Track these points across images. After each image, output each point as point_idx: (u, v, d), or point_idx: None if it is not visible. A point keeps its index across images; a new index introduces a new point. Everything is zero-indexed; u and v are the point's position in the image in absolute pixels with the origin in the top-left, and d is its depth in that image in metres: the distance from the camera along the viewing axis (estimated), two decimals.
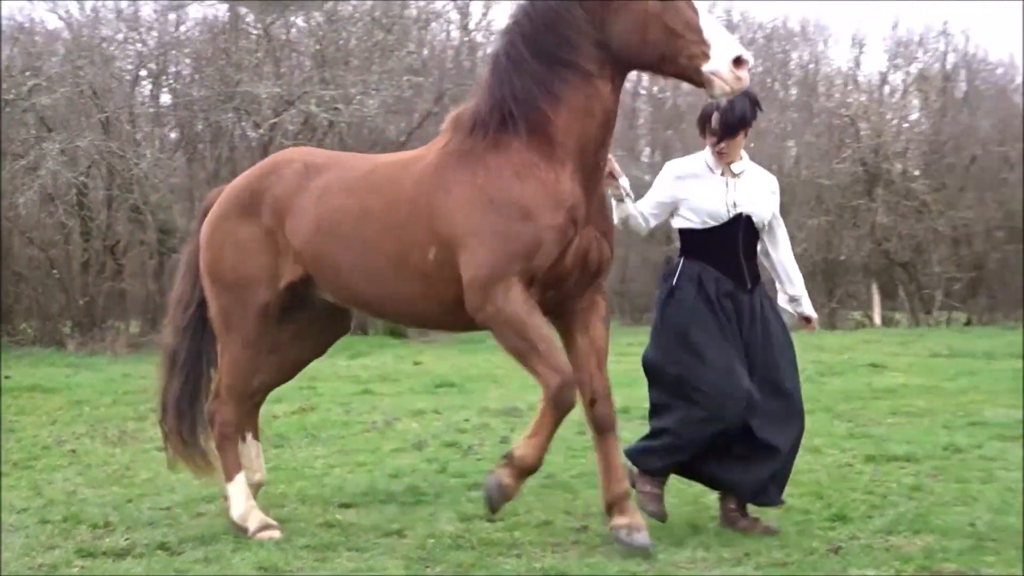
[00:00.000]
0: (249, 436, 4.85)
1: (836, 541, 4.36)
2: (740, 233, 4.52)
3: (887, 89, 24.09)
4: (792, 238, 5.12)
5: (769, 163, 14.01)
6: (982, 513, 4.80)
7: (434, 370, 11.78)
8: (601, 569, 4.00)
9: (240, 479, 4.62)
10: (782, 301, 4.78)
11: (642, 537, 4.14)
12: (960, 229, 20.91)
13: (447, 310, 4.24)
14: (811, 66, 25.58)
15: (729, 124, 4.40)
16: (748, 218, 4.54)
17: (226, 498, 4.64)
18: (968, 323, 20.36)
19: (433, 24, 19.89)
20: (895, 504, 5.07)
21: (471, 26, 20.03)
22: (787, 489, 4.80)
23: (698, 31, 3.88)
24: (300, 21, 17.75)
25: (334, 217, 4.36)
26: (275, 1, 16.72)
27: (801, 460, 5.33)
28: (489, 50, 4.77)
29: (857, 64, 24.66)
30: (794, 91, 25.12)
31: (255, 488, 4.78)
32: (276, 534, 4.42)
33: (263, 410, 5.18)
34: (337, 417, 8.19)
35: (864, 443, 6.85)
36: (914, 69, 23.73)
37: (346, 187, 4.40)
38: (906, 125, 23.02)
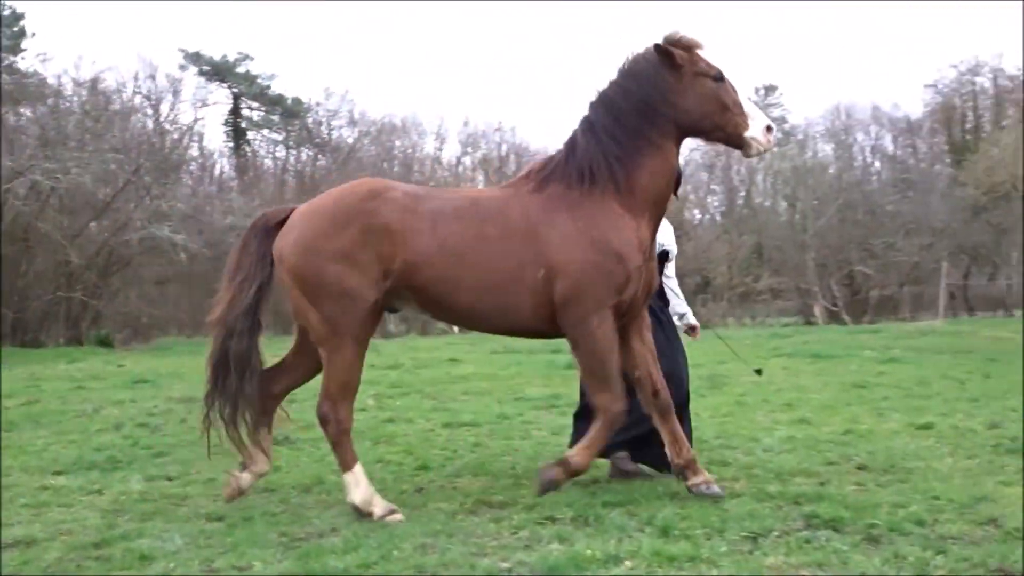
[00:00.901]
0: (263, 431, 5.23)
1: (420, 484, 5.86)
2: (663, 262, 5.88)
3: (461, 168, 36.95)
4: None
5: None
6: (522, 461, 6.61)
7: (133, 370, 14.29)
8: (249, 512, 5.24)
9: (358, 468, 5.00)
10: (674, 316, 6.06)
11: (717, 488, 5.21)
12: None
13: (542, 320, 4.98)
14: (409, 151, 37.23)
15: (679, 183, 5.52)
16: (666, 251, 5.93)
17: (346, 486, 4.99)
18: None
19: (132, 116, 26.59)
20: (462, 456, 6.79)
21: (161, 119, 27.91)
22: (385, 447, 6.60)
23: (740, 106, 5.02)
24: (28, 112, 24.34)
25: (454, 240, 4.89)
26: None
27: (397, 427, 7.21)
28: (584, 113, 5.09)
29: (440, 149, 37.96)
30: (397, 169, 34.33)
31: (259, 477, 5.24)
32: (399, 516, 4.88)
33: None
34: (56, 407, 9.81)
35: (443, 414, 8.86)
36: (479, 154, 37.20)
37: (456, 215, 4.96)
38: None
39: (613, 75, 5.12)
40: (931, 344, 18.30)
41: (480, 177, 36.30)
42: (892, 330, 23.58)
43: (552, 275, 4.91)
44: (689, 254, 36.72)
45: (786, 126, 48.25)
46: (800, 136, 45.01)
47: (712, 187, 44.73)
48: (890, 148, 44.27)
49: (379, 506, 4.93)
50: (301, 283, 4.92)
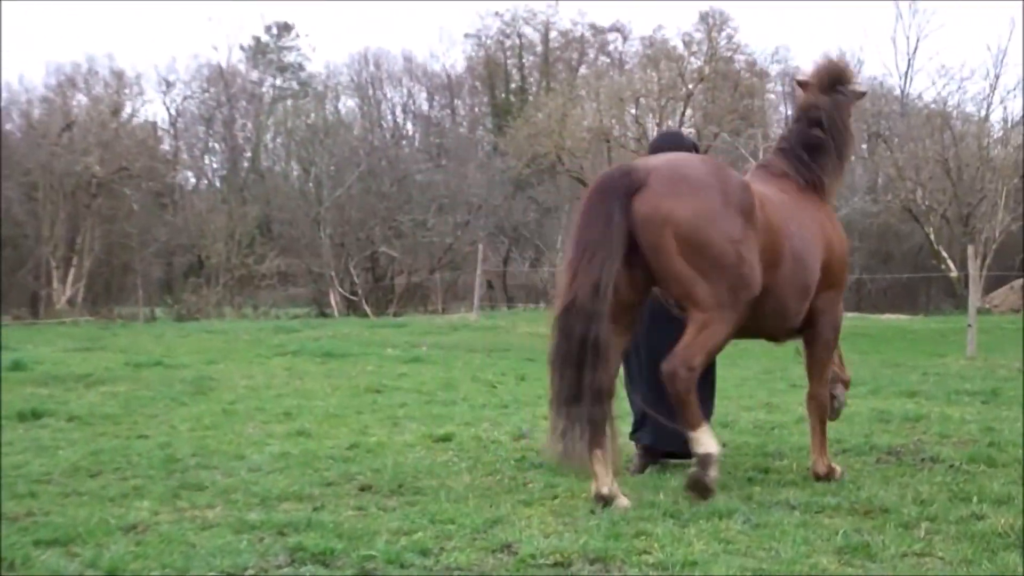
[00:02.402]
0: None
1: None
2: None
3: None
4: None
5: None
6: None
7: None
8: None
9: (706, 425, 5.95)
10: None
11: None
12: None
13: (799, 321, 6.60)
14: None
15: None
16: None
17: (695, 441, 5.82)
18: None
19: None
20: None
21: None
22: None
23: None
24: None
25: (788, 228, 6.23)
26: None
27: None
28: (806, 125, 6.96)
29: None
30: None
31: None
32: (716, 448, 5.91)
33: None
34: None
35: None
36: None
37: (775, 206, 6.23)
38: None
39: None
40: (463, 341, 19.63)
41: None
42: (420, 324, 24.99)
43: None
44: (179, 226, 36.13)
45: (303, 75, 49.30)
46: (320, 88, 46.30)
47: (211, 144, 44.39)
48: (425, 108, 46.92)
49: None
50: (698, 253, 5.75)
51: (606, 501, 5.75)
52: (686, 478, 5.95)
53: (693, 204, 5.76)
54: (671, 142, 7.27)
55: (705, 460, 5.80)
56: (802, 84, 7.02)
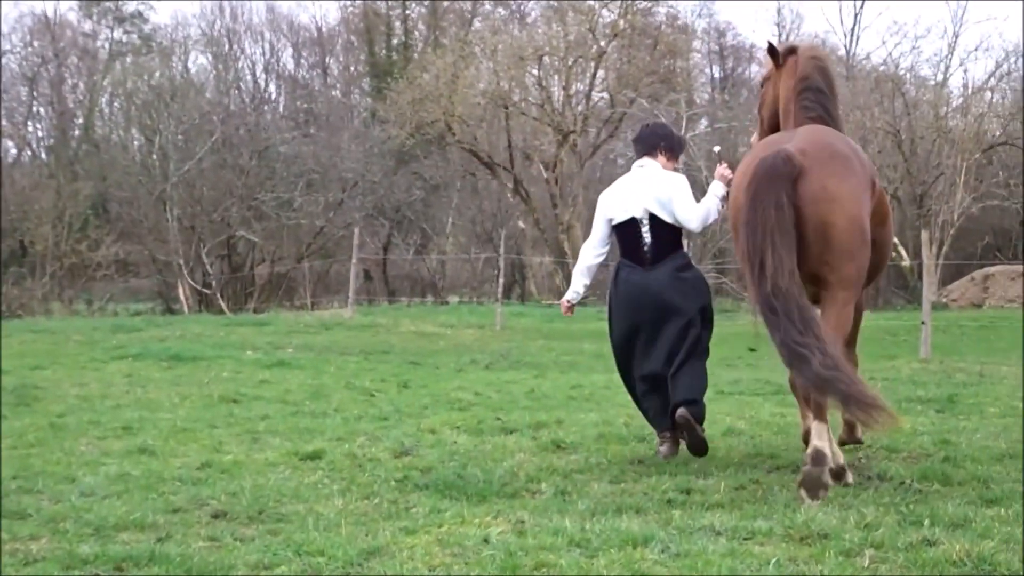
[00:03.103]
0: None
1: None
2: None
3: None
4: None
5: None
6: None
7: None
8: None
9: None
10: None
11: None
12: None
13: None
14: None
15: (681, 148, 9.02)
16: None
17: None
18: None
19: None
20: None
21: None
22: None
23: None
24: None
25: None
26: None
27: None
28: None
29: None
30: None
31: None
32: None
33: None
34: None
35: None
36: None
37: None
38: None
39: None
40: (336, 341, 19.57)
41: None
42: (285, 321, 24.83)
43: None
44: None
45: (146, 27, 48.57)
46: (165, 43, 45.64)
47: (36, 108, 43.53)
48: (290, 67, 46.57)
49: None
50: (857, 234, 7.10)
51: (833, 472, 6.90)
52: (801, 477, 6.67)
53: (851, 185, 7.16)
54: (640, 134, 8.74)
55: (818, 457, 6.75)
56: (779, 53, 8.05)
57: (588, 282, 8.75)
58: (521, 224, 40.15)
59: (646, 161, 8.44)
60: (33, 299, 32.04)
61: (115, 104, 43.06)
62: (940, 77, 40.25)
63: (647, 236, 8.25)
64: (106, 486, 7.03)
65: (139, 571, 5.08)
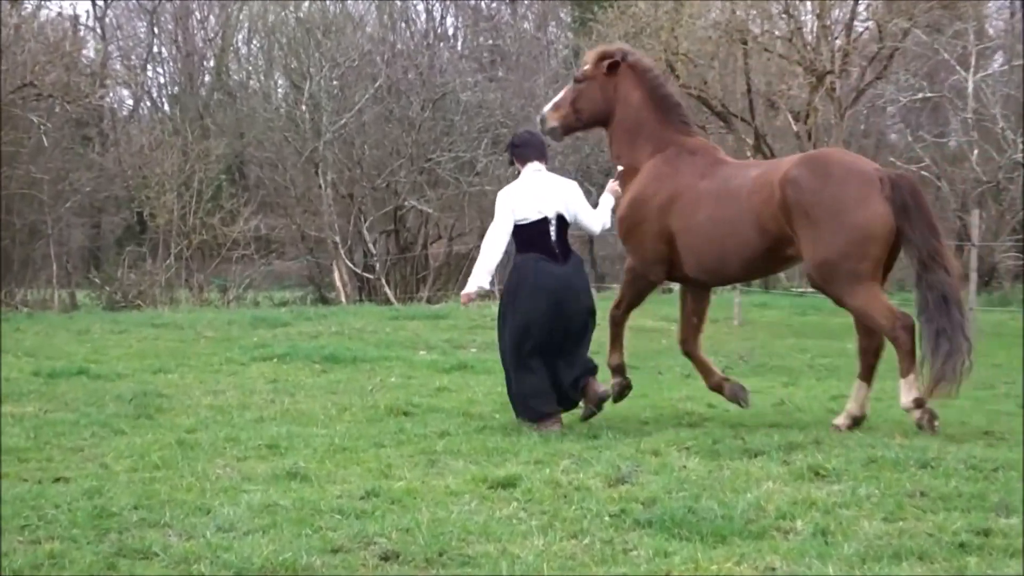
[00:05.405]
0: None
1: None
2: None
3: None
4: None
5: None
6: None
7: None
8: None
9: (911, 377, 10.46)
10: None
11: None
12: None
13: None
14: None
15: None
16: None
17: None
18: None
19: None
20: None
21: None
22: None
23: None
24: None
25: None
26: None
27: None
28: None
29: None
30: None
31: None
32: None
33: None
34: None
35: None
36: None
37: None
38: None
39: None
40: None
41: None
42: (467, 314, 24.96)
43: None
44: (110, 170, 36.14)
45: None
46: None
47: (157, 49, 44.38)
48: None
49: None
50: None
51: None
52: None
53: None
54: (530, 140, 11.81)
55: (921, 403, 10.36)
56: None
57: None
58: None
59: (540, 166, 11.42)
60: (154, 286, 32.76)
61: (253, 43, 43.88)
62: None
63: (554, 235, 11.21)
64: (249, 519, 7.15)
65: None
